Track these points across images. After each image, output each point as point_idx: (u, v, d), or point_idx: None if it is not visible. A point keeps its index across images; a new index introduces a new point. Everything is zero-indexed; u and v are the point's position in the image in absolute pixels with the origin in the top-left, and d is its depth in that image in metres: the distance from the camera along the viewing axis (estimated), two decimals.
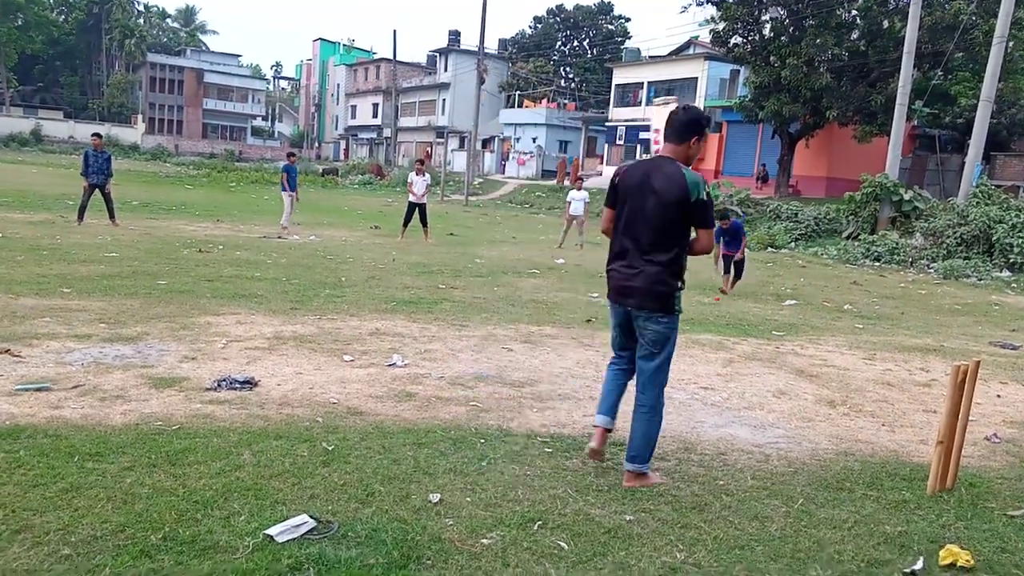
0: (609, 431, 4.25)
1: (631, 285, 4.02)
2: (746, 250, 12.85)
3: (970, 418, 4.29)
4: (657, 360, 4.05)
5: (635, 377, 4.18)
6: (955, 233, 20.04)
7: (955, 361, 4.20)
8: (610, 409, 4.26)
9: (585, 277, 13.11)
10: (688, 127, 4.03)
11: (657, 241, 3.95)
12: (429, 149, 61.12)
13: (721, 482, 4.15)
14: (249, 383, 5.32)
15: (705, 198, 3.91)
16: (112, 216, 15.32)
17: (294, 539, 3.13)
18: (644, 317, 4.00)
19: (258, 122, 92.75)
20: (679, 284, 4.01)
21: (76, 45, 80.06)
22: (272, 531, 3.16)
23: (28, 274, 9.16)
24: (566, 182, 41.80)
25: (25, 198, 19.51)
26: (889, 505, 3.98)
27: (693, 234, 4.05)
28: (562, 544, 3.30)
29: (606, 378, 4.35)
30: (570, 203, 19.02)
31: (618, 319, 4.20)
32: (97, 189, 15.25)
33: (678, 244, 3.98)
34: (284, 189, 17.78)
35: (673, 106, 4.50)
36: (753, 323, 9.59)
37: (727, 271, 12.79)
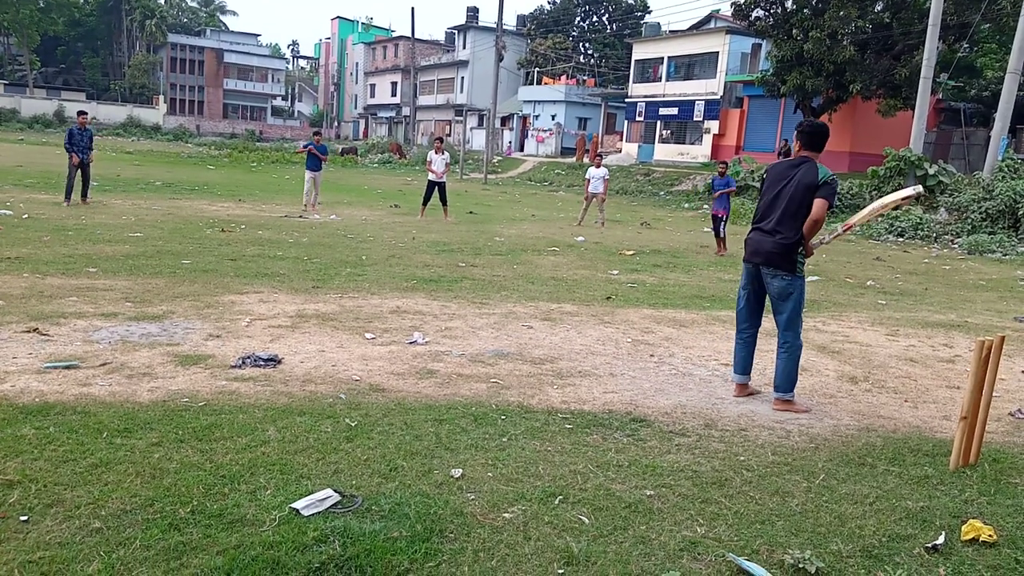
0: (744, 386, 5.35)
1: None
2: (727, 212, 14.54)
3: (994, 394, 4.26)
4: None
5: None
6: (980, 208, 19.75)
7: (979, 337, 4.17)
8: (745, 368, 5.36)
9: (605, 255, 13.08)
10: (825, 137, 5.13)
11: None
12: (434, 129, 60.98)
13: (742, 458, 4.16)
14: (273, 360, 5.38)
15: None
16: (85, 195, 15.34)
17: (319, 512, 3.18)
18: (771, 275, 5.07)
19: (278, 102, 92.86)
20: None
21: (97, 26, 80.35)
22: (298, 505, 3.22)
23: (54, 254, 9.29)
24: (585, 159, 41.57)
25: (50, 179, 19.71)
26: (911, 480, 3.98)
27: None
28: (583, 518, 3.33)
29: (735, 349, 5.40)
30: (589, 180, 18.89)
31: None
32: (82, 170, 15.25)
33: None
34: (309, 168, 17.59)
35: None
36: None
37: (717, 232, 14.47)
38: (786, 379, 5.05)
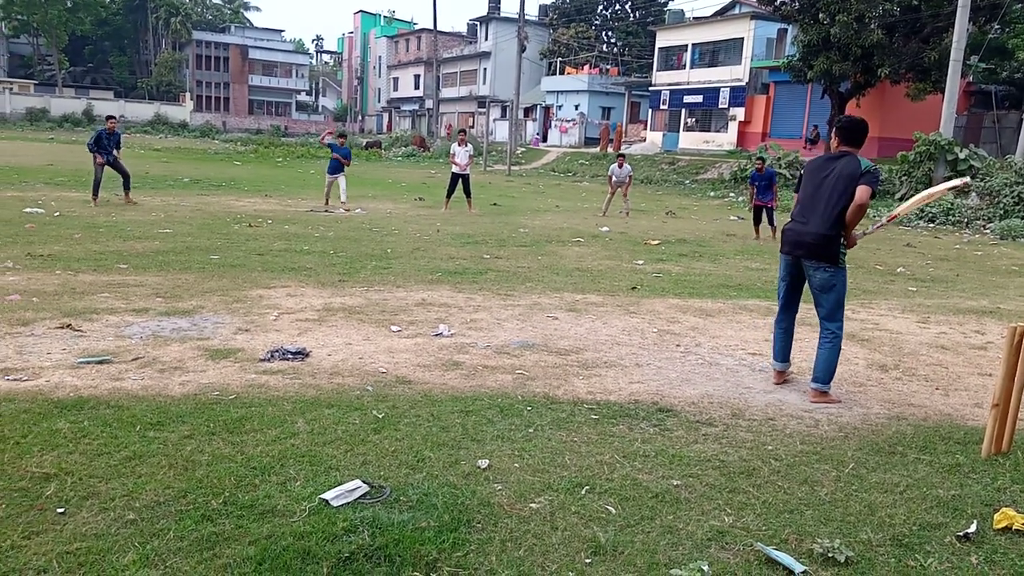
0: (783, 373, 5.40)
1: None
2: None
3: None
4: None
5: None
6: (1012, 192, 19.41)
7: (1011, 323, 4.10)
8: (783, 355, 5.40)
9: (630, 244, 13.04)
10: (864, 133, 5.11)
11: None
12: (456, 122, 60.93)
13: (770, 447, 4.14)
14: (301, 354, 5.44)
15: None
16: (127, 191, 15.43)
17: (348, 503, 3.22)
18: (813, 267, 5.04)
19: (302, 97, 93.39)
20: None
21: (123, 25, 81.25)
22: (327, 495, 3.25)
23: (86, 251, 9.43)
24: (609, 149, 41.37)
25: (80, 177, 19.99)
26: (942, 469, 3.93)
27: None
28: (610, 508, 3.33)
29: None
30: (612, 177, 18.79)
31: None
32: (116, 170, 15.37)
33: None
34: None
35: None
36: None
37: (758, 220, 14.93)
38: (827, 370, 5.01)
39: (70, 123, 59.64)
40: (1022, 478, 3.84)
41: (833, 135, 5.20)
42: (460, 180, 17.36)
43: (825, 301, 5.00)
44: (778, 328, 5.38)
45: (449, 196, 17.51)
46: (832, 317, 5.02)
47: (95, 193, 15.03)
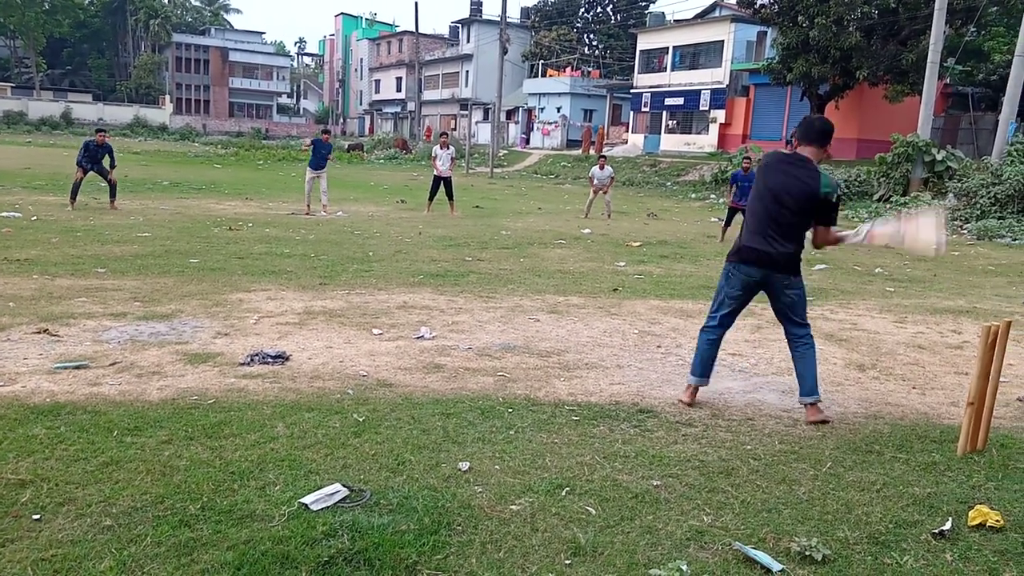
0: (697, 390, 4.96)
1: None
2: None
3: (1002, 379, 4.26)
4: None
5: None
6: (989, 193, 19.62)
7: (987, 322, 4.16)
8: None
9: (611, 246, 13.07)
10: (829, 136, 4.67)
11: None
12: (438, 125, 60.87)
13: (749, 447, 4.17)
14: (281, 357, 5.41)
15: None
16: (113, 198, 15.22)
17: (328, 507, 3.21)
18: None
19: (283, 99, 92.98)
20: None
21: (102, 27, 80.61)
22: (307, 500, 3.24)
23: (63, 255, 9.35)
24: (591, 151, 41.47)
25: (58, 181, 19.79)
26: (918, 467, 3.98)
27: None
28: (590, 509, 3.34)
29: None
30: (593, 179, 18.82)
31: None
32: (102, 176, 15.18)
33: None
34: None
35: None
36: None
37: (729, 223, 14.51)
38: (817, 377, 4.70)
39: (48, 126, 59.06)
40: (996, 476, 3.89)
41: (797, 133, 4.78)
42: (442, 183, 17.35)
43: (798, 310, 4.70)
44: (708, 337, 4.86)
45: (431, 199, 17.49)
46: (805, 322, 4.75)
47: (73, 197, 14.83)
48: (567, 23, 60.48)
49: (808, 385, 4.65)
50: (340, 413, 4.36)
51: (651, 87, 44.07)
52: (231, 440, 3.89)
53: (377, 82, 77.34)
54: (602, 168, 18.73)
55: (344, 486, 3.38)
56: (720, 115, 39.53)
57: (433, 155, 17.79)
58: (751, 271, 4.66)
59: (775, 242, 4.56)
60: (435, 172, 17.45)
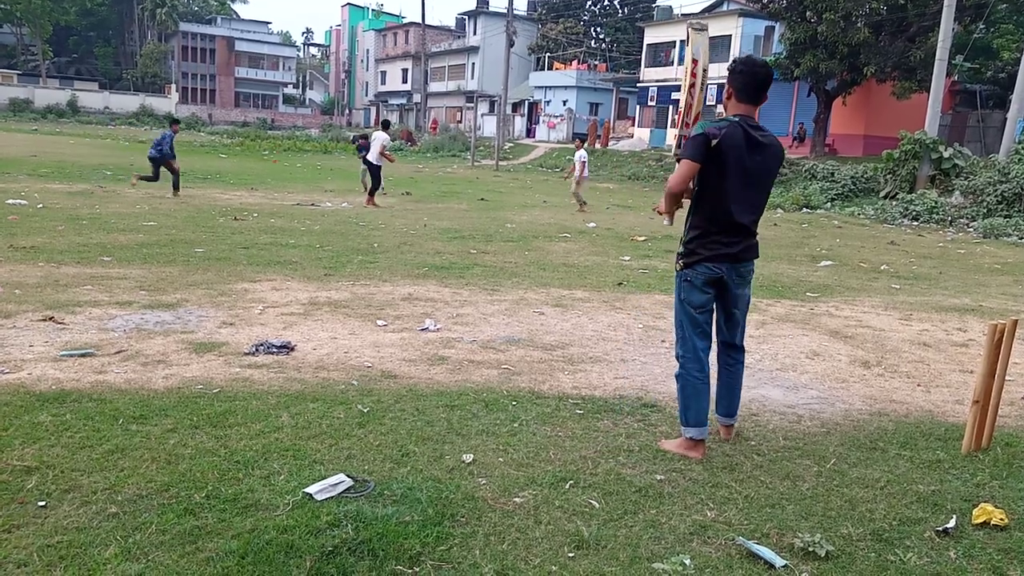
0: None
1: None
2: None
3: (1007, 377, 4.24)
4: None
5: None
6: (996, 191, 19.56)
7: (992, 321, 4.14)
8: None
9: (616, 241, 13.06)
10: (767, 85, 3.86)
11: None
12: (437, 119, 60.61)
13: (752, 443, 4.17)
14: (286, 348, 5.42)
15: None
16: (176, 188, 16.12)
17: (332, 497, 3.21)
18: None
19: (289, 90, 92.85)
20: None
21: (109, 16, 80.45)
22: (311, 489, 3.25)
23: (69, 243, 9.36)
24: (597, 144, 41.40)
25: (64, 169, 19.84)
26: (923, 465, 3.97)
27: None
28: (593, 503, 3.35)
29: None
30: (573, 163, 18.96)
31: None
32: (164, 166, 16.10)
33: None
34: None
35: (707, 32, 4.37)
36: (787, 285, 9.51)
37: None
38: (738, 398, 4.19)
39: (54, 114, 59.10)
40: (1001, 474, 3.88)
41: (730, 84, 3.89)
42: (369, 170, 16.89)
43: (743, 315, 4.11)
44: (705, 373, 3.90)
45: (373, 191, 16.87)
46: (744, 334, 4.19)
47: (175, 187, 15.91)
48: (574, 16, 60.30)
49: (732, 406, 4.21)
50: (344, 404, 4.36)
51: (658, 81, 43.93)
52: (236, 429, 3.89)
53: (383, 73, 77.21)
54: (578, 149, 18.76)
55: (348, 476, 3.39)
56: None
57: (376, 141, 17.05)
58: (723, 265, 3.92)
59: (752, 223, 3.92)
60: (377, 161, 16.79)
